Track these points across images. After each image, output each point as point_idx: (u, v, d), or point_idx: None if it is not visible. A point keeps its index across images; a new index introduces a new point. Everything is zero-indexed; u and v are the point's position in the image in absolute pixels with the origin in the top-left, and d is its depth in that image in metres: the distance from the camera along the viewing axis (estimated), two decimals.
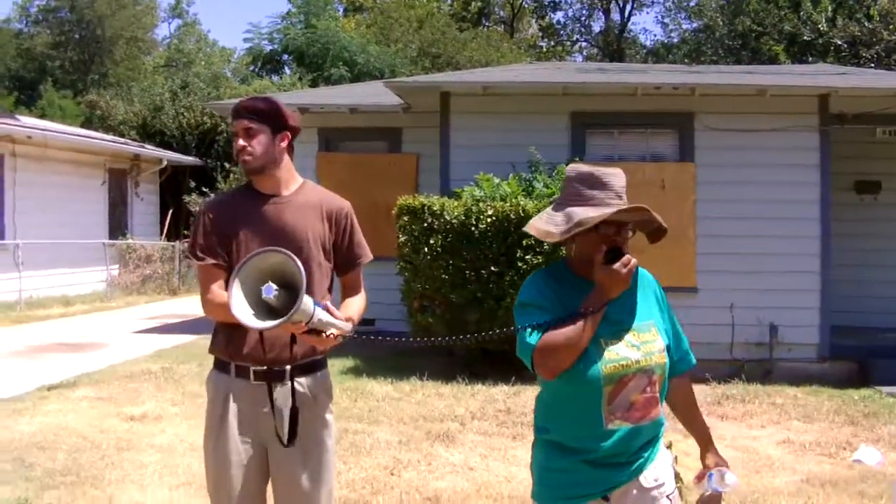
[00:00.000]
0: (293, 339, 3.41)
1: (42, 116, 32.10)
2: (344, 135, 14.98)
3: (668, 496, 2.95)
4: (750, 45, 32.25)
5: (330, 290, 3.65)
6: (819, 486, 6.61)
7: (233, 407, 3.52)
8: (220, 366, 3.61)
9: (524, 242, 10.00)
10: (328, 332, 3.10)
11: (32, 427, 7.90)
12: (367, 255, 3.76)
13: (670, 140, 12.14)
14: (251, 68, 43.31)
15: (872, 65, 26.38)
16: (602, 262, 2.80)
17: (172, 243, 23.63)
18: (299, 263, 2.94)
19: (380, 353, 11.49)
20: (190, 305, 18.48)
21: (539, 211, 10.19)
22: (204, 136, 28.33)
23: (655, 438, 2.95)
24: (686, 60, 35.22)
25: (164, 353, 12.05)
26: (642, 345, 2.86)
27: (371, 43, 40.07)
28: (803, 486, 6.62)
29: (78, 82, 45.96)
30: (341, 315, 3.22)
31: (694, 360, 3.14)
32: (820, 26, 28.78)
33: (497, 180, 10.87)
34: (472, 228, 10.19)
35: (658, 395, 2.90)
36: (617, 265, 2.78)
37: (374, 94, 15.25)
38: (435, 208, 10.46)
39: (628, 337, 2.86)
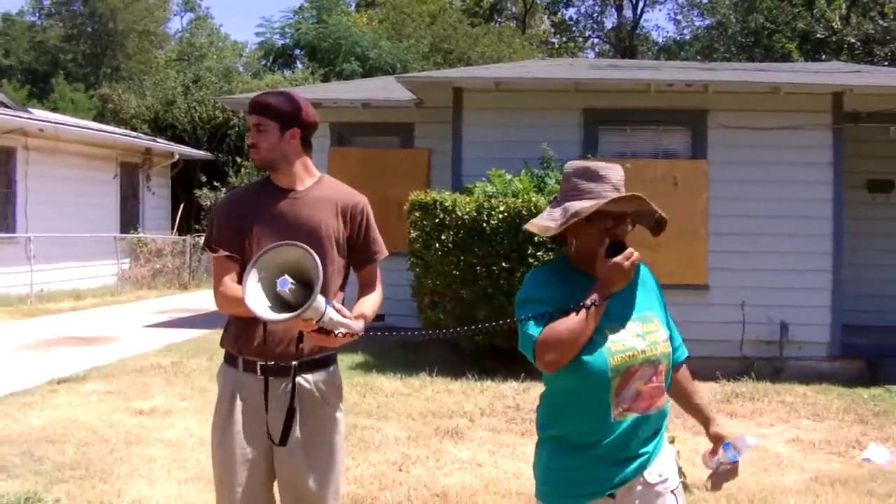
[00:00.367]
0: (301, 335, 3.39)
1: (54, 110, 32.20)
2: (356, 130, 14.97)
3: (672, 491, 2.93)
4: (763, 43, 32.13)
5: (343, 286, 3.63)
6: (828, 485, 6.57)
7: (239, 402, 3.52)
8: (229, 359, 3.61)
9: (535, 239, 9.98)
10: (337, 332, 3.09)
11: (42, 420, 7.91)
12: (383, 251, 3.73)
13: (683, 137, 12.09)
14: (263, 63, 43.42)
15: (886, 63, 26.27)
16: (604, 256, 2.79)
17: (183, 237, 23.66)
18: (318, 260, 2.93)
19: (389, 348, 11.50)
20: (200, 300, 18.51)
21: None
22: (216, 131, 28.36)
23: (659, 431, 2.94)
24: (698, 58, 35.13)
25: (174, 348, 12.06)
26: (647, 335, 2.86)
27: (383, 38, 40.08)
28: (812, 485, 6.59)
29: (90, 76, 46.11)
30: (351, 315, 3.20)
31: (686, 352, 3.15)
32: (833, 24, 28.68)
33: (509, 176, 10.85)
34: (484, 224, 10.17)
35: (663, 384, 2.90)
36: (619, 258, 2.76)
37: (386, 89, 15.25)
38: (447, 204, 10.44)
39: (633, 327, 2.86)
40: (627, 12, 51.24)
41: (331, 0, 42.63)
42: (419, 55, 39.69)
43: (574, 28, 52.61)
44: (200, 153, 26.52)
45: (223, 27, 64.87)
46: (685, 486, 3.34)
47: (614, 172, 2.89)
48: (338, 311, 3.10)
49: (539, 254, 9.96)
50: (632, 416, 2.81)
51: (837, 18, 28.75)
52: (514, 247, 10.13)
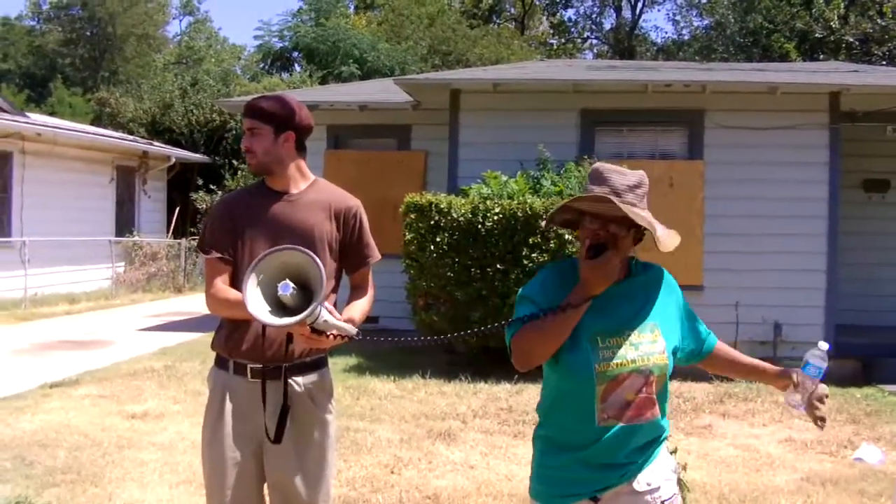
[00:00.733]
0: (290, 337, 3.39)
1: (52, 114, 32.23)
2: (353, 132, 14.95)
3: (663, 501, 2.89)
4: (761, 43, 32.15)
5: (336, 289, 3.63)
6: (819, 485, 6.57)
7: (229, 405, 3.52)
8: (219, 362, 3.61)
9: (530, 241, 9.98)
10: (329, 333, 3.07)
11: (34, 425, 7.88)
12: (376, 254, 3.73)
13: (680, 138, 12.10)
14: (261, 66, 43.37)
15: (884, 62, 26.32)
16: (584, 257, 2.77)
17: (178, 241, 23.65)
18: (321, 266, 2.94)
19: (383, 350, 11.49)
20: (195, 303, 18.49)
21: (546, 209, 10.18)
22: (213, 134, 28.32)
23: (654, 442, 2.90)
24: (697, 58, 35.13)
25: (168, 351, 12.04)
26: (641, 344, 2.81)
27: (381, 40, 40.05)
28: (804, 485, 6.58)
29: (88, 79, 46.14)
30: (340, 317, 3.19)
31: (715, 339, 3.12)
32: (832, 24, 28.71)
33: (505, 178, 10.85)
34: (479, 226, 10.16)
35: (655, 396, 2.84)
36: (597, 260, 2.73)
37: (383, 91, 15.24)
38: (442, 206, 10.42)
39: (628, 335, 2.82)
40: (626, 13, 51.28)
41: (329, 2, 42.62)
42: (418, 57, 39.67)
43: (573, 29, 52.61)
44: (197, 156, 26.48)
45: (222, 30, 64.91)
46: (685, 501, 3.25)
47: (620, 177, 2.84)
48: (330, 313, 3.08)
49: (534, 255, 9.95)
50: (617, 425, 2.79)
51: (836, 18, 28.78)
52: (508, 249, 10.11)
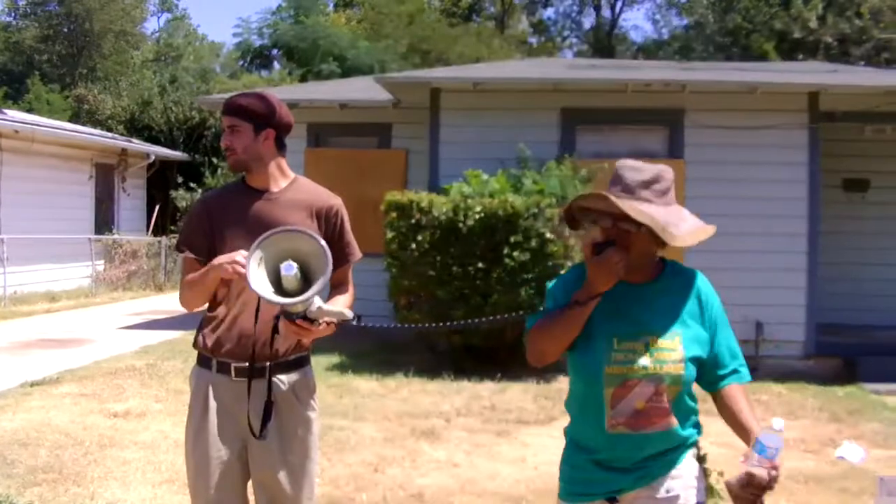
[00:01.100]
0: (273, 334, 3.36)
1: (29, 110, 31.97)
2: (333, 130, 14.91)
3: None
4: (740, 43, 32.31)
5: None
6: (802, 482, 6.61)
7: (213, 403, 3.50)
8: (202, 361, 3.59)
9: (511, 239, 9.99)
10: (323, 321, 3.05)
11: (15, 424, 7.83)
12: (357, 252, 3.71)
13: (660, 137, 12.13)
14: (240, 63, 43.27)
15: (862, 63, 26.45)
16: (590, 255, 2.74)
17: (159, 239, 23.54)
18: (325, 249, 2.95)
19: (365, 349, 11.48)
20: (175, 301, 18.27)
21: (527, 208, 10.19)
22: (192, 131, 28.21)
23: (674, 450, 2.82)
24: (676, 57, 35.26)
25: (149, 350, 11.99)
26: (657, 351, 2.75)
27: (361, 38, 39.99)
28: (786, 482, 6.59)
29: (66, 76, 45.78)
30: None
31: (747, 376, 2.90)
32: (810, 24, 28.84)
33: (485, 177, 10.85)
34: (460, 225, 10.15)
35: (668, 405, 2.76)
36: (598, 257, 2.71)
37: (363, 89, 15.22)
38: (423, 204, 10.41)
39: (645, 340, 2.77)
40: (606, 12, 51.40)
41: (308, 0, 42.51)
42: (397, 55, 39.63)
43: (552, 28, 52.73)
44: (177, 154, 26.37)
45: (200, 27, 64.54)
46: None
47: (635, 173, 2.84)
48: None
49: (515, 254, 9.95)
50: (626, 432, 2.75)
51: (814, 18, 28.92)
52: (490, 247, 10.11)
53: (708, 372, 2.86)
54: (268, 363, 3.45)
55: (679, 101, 11.82)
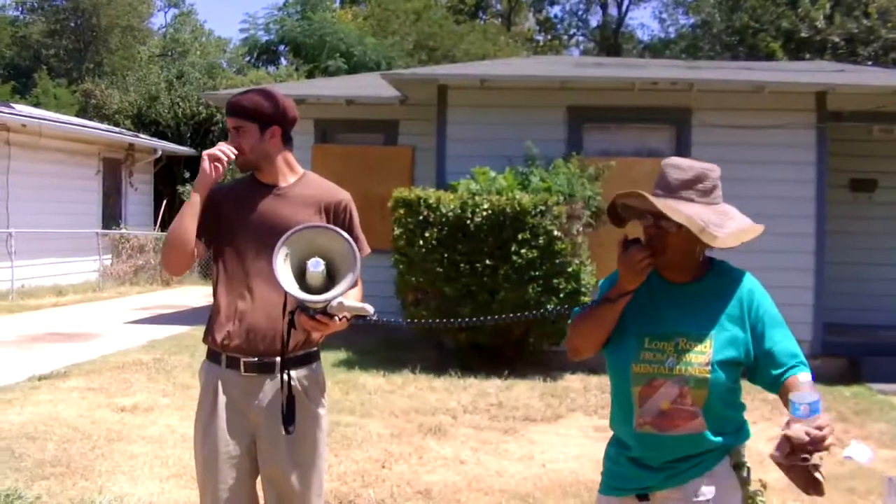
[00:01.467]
0: (289, 330, 3.35)
1: (37, 105, 31.99)
2: (340, 126, 14.94)
3: None
4: (747, 42, 32.25)
5: None
6: None
7: (223, 398, 3.50)
8: (211, 356, 3.59)
9: (519, 236, 9.99)
10: (341, 316, 3.05)
11: (23, 417, 7.85)
12: (366, 248, 3.68)
13: (667, 136, 12.12)
14: (247, 59, 43.21)
15: (870, 62, 26.42)
16: (620, 252, 2.75)
17: (165, 234, 23.53)
18: (358, 256, 2.99)
19: (372, 345, 11.50)
20: (182, 296, 18.47)
21: (534, 205, 10.18)
22: (199, 127, 28.26)
23: (707, 455, 2.78)
24: (683, 56, 35.22)
25: (156, 344, 12.00)
26: (685, 353, 2.72)
27: (368, 35, 39.95)
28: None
29: (73, 71, 45.79)
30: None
31: (807, 371, 2.76)
32: (817, 23, 28.81)
33: (493, 174, 10.85)
34: (468, 222, 10.15)
35: (695, 409, 2.71)
36: (625, 254, 2.73)
37: (370, 86, 15.21)
38: (430, 201, 10.41)
39: (676, 341, 2.74)
40: (612, 10, 51.32)
41: None
42: (404, 52, 39.61)
43: (559, 26, 52.65)
44: (184, 149, 26.38)
45: (207, 23, 64.39)
46: None
47: (677, 171, 2.84)
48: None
49: (523, 251, 9.95)
50: (652, 432, 2.74)
51: (821, 18, 28.89)
52: (497, 244, 10.12)
53: (763, 373, 2.79)
54: (276, 359, 3.45)
55: (686, 99, 11.81)
